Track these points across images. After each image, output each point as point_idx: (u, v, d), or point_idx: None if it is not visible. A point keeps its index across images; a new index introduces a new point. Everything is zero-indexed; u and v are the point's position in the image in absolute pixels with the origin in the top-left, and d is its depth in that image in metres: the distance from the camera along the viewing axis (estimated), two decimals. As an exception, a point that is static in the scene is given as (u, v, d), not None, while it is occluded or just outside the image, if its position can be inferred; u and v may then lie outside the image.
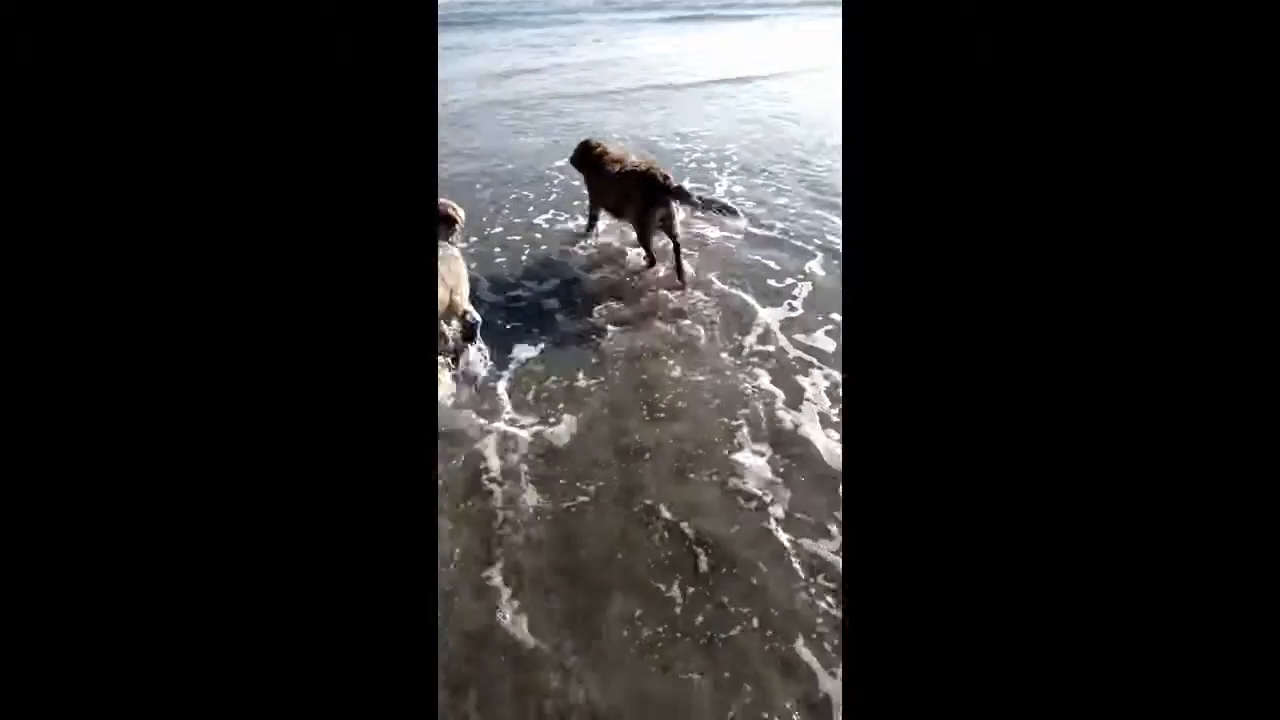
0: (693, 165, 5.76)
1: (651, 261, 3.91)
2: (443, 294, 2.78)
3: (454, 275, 2.92)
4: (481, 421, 2.64)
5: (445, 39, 16.03)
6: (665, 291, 3.62)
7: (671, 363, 2.99)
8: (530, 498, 2.25)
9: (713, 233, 4.34)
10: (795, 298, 3.46)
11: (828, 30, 13.95)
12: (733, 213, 3.83)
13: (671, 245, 3.78)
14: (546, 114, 7.83)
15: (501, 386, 2.86)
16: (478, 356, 3.02)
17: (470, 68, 11.27)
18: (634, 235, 4.07)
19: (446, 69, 11.34)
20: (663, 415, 2.63)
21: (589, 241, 4.35)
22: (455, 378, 2.87)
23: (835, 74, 9.54)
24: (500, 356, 3.07)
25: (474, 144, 6.73)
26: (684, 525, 2.10)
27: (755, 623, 1.80)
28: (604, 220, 4.40)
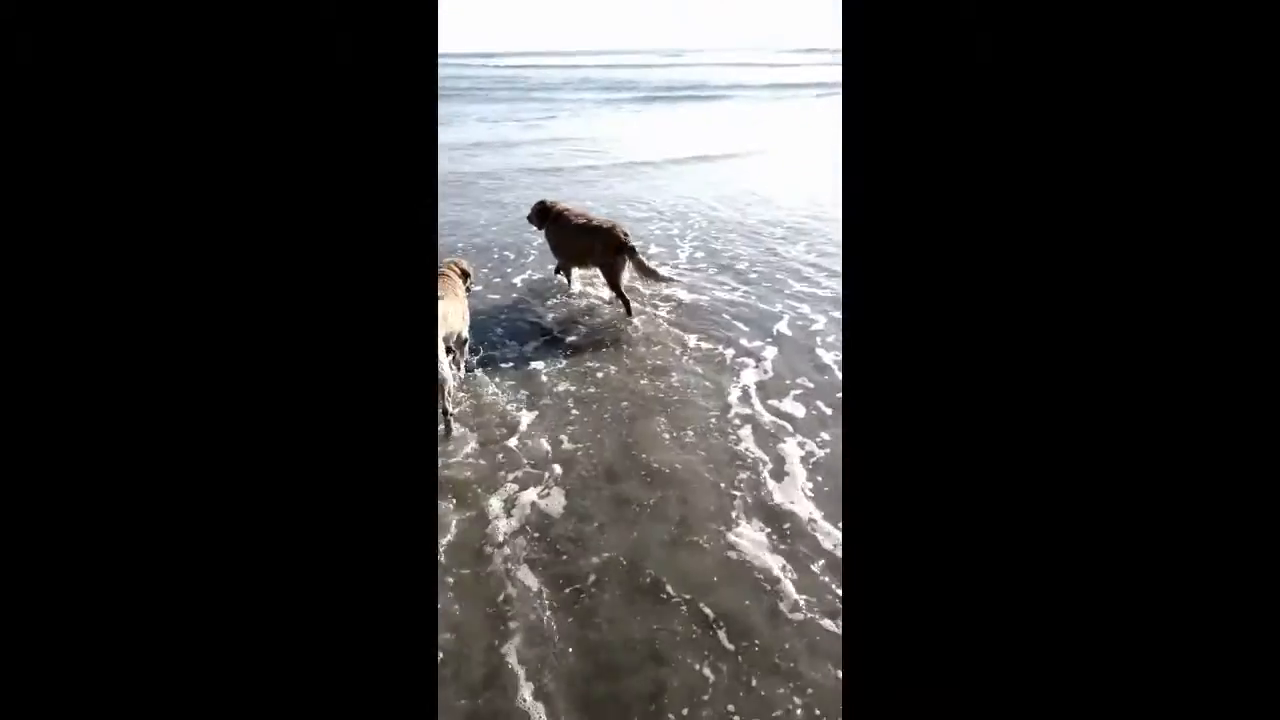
0: (658, 232, 5.74)
1: (628, 307, 3.94)
2: (451, 317, 2.98)
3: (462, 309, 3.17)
4: (480, 488, 2.43)
5: None
6: (644, 348, 3.50)
7: (662, 421, 2.84)
8: (534, 570, 2.03)
9: (684, 295, 4.28)
10: (764, 359, 3.38)
11: (791, 111, 14.38)
12: (666, 280, 4.14)
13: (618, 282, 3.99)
14: (520, 188, 7.61)
15: (497, 450, 2.66)
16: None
17: (441, 140, 11.08)
18: (606, 293, 4.09)
19: None
20: (665, 474, 2.46)
21: (569, 295, 4.27)
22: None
23: (796, 153, 9.55)
24: (493, 419, 2.88)
25: (449, 216, 6.58)
26: (701, 605, 1.89)
27: (797, 701, 1.61)
28: (578, 281, 4.38)
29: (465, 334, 3.21)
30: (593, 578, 2.00)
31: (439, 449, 2.67)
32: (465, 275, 3.43)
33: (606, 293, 4.15)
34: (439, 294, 3.03)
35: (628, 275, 4.01)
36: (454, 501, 2.35)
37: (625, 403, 2.99)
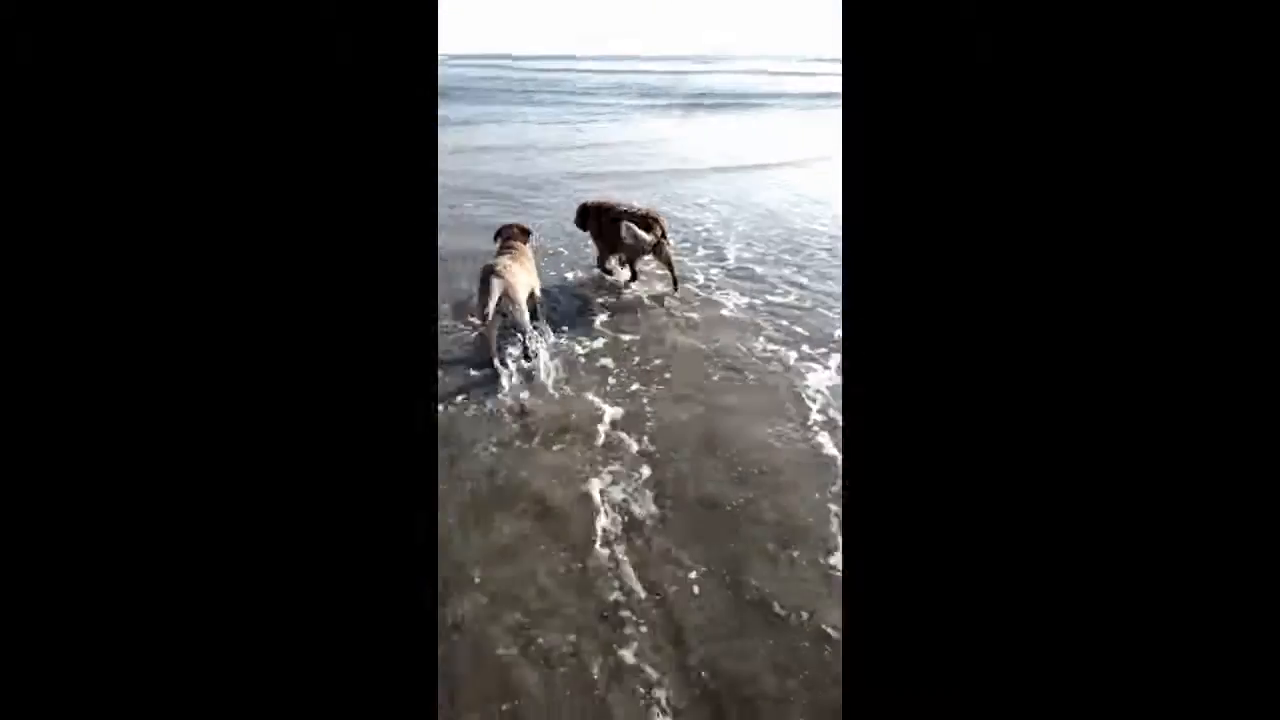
0: (704, 234, 5.57)
1: (634, 277, 4.22)
2: (532, 281, 3.34)
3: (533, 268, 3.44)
4: (577, 483, 2.32)
5: (457, 110, 15.46)
6: (706, 347, 3.37)
7: (741, 422, 2.69)
8: (637, 573, 1.91)
9: (740, 299, 4.13)
10: (830, 365, 3.22)
11: (834, 121, 13.91)
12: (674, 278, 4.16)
13: (668, 266, 4.12)
14: (566, 191, 7.24)
15: (584, 448, 2.55)
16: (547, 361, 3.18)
17: (488, 141, 10.83)
18: (660, 286, 4.09)
19: (457, 140, 11.09)
20: (756, 477, 2.32)
21: (621, 292, 4.18)
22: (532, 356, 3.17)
23: (839, 164, 9.44)
24: (574, 417, 2.77)
25: (501, 218, 6.43)
26: (823, 625, 1.75)
27: None
28: (624, 272, 4.34)
29: (538, 291, 3.53)
30: (697, 589, 1.87)
31: (524, 435, 2.59)
32: (526, 234, 3.66)
33: (660, 285, 4.16)
34: (512, 262, 3.25)
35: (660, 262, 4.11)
36: (548, 498, 2.25)
37: (700, 403, 2.86)
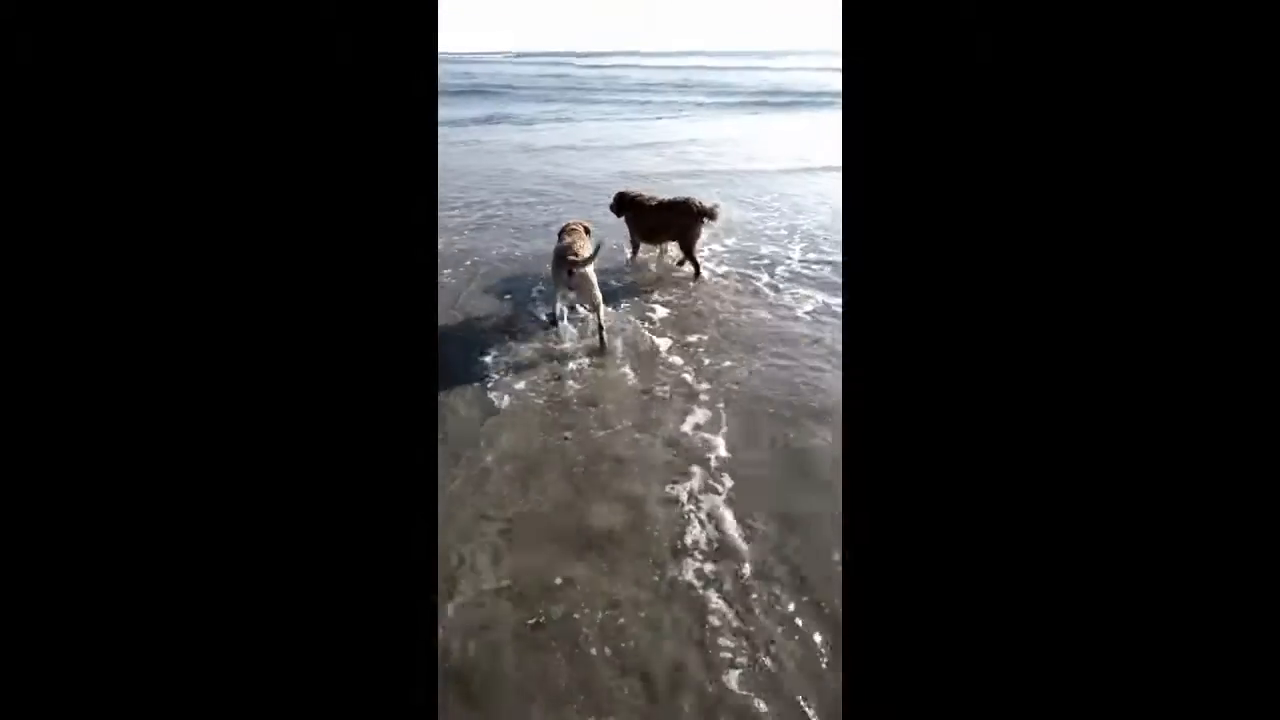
0: (766, 233, 5.39)
1: (698, 270, 4.27)
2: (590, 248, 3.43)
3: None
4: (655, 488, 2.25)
5: (520, 109, 15.62)
6: (784, 348, 3.22)
7: (827, 433, 2.56)
8: (726, 597, 1.83)
9: (820, 295, 3.98)
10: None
11: None
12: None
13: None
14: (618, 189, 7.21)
15: (672, 453, 2.47)
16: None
17: (543, 141, 10.68)
18: (729, 288, 3.95)
19: (520, 140, 11.09)
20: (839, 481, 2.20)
21: (681, 292, 4.13)
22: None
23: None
24: (657, 416, 2.70)
25: (563, 220, 6.34)
26: None
27: None
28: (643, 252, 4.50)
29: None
30: (800, 621, 1.74)
31: (599, 425, 2.54)
32: (588, 232, 3.88)
33: (729, 291, 4.14)
34: (580, 239, 3.50)
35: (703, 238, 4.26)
36: (634, 502, 2.19)
37: (788, 410, 2.72)
